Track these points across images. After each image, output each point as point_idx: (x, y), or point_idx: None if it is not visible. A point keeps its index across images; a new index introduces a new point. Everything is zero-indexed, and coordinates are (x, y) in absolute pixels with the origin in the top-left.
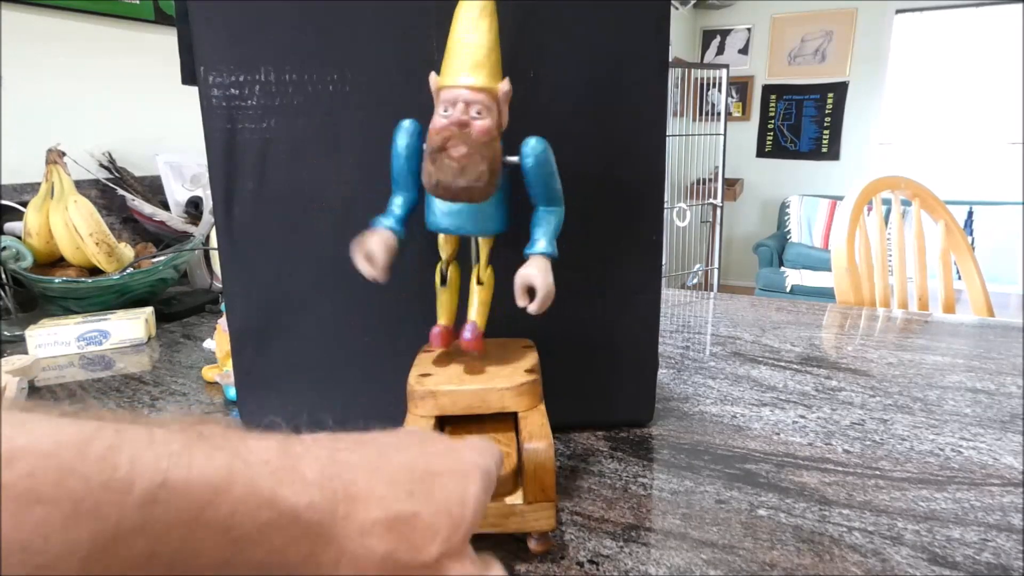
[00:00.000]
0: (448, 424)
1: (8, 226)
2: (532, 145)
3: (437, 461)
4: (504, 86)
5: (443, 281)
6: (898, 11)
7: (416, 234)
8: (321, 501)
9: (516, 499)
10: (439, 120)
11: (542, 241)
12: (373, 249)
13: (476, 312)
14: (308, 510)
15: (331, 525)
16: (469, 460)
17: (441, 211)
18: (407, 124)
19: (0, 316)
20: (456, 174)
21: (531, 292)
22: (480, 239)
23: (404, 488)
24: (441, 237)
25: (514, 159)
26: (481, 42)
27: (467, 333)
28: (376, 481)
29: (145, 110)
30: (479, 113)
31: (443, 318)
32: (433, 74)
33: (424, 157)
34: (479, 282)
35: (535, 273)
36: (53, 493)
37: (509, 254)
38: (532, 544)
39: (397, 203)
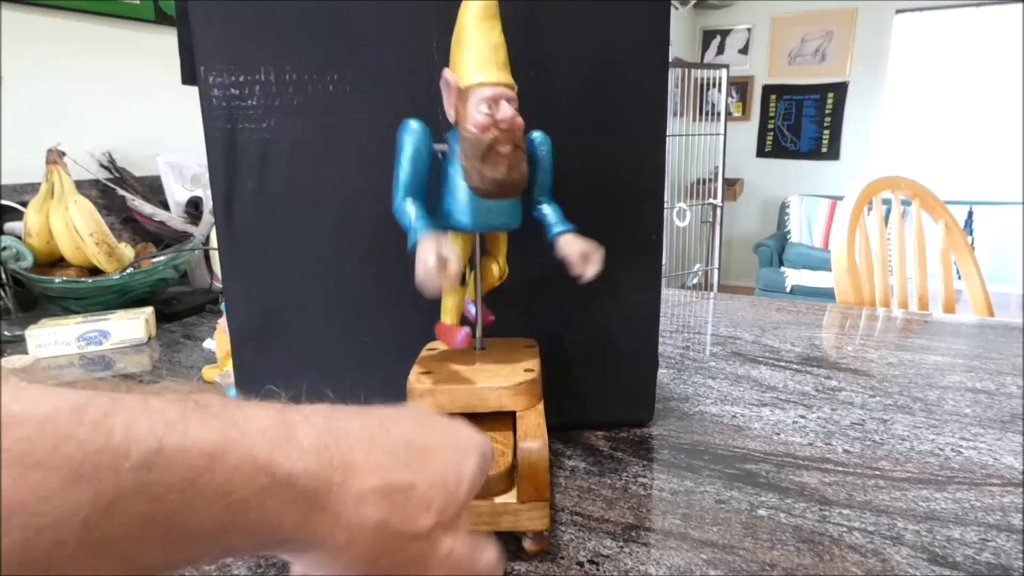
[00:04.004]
0: None
1: (8, 226)
2: (542, 138)
3: (435, 437)
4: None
5: (463, 282)
6: (898, 11)
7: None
8: (317, 468)
9: (510, 498)
10: (481, 118)
11: (562, 222)
12: (446, 253)
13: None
14: (304, 476)
15: (327, 492)
16: (467, 438)
17: (485, 210)
18: (420, 127)
19: (0, 316)
20: (508, 171)
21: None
22: (503, 235)
23: (401, 459)
24: (462, 240)
25: None
26: (500, 41)
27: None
28: (373, 450)
29: (145, 110)
30: (516, 110)
31: (453, 317)
32: (449, 71)
33: (463, 157)
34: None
35: (584, 243)
36: (50, 458)
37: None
38: (527, 544)
39: (418, 210)
